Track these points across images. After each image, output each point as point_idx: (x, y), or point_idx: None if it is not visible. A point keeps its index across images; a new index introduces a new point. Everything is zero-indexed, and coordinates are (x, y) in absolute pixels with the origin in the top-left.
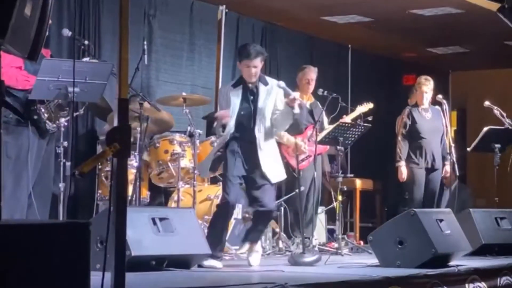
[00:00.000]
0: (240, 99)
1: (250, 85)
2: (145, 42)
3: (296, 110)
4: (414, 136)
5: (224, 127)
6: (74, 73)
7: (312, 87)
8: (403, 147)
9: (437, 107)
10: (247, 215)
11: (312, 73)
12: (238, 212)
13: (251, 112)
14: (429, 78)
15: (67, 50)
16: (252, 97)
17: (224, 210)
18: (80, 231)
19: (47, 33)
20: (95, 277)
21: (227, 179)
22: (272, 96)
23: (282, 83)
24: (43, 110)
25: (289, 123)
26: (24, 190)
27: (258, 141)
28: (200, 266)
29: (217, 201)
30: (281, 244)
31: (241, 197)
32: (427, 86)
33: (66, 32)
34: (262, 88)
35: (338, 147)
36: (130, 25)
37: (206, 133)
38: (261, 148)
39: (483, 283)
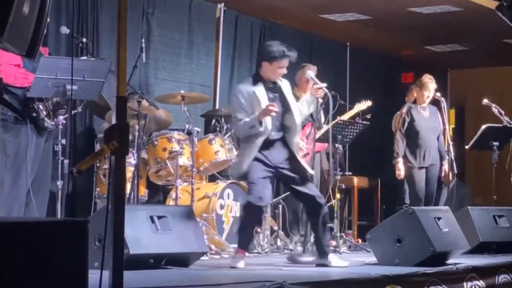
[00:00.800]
0: (267, 97)
1: (270, 84)
2: (143, 40)
3: (320, 100)
4: (412, 135)
5: (260, 123)
6: (73, 71)
7: (311, 85)
8: (400, 144)
9: (434, 106)
10: None
11: (311, 71)
12: (236, 211)
13: (280, 109)
14: (431, 77)
15: (65, 48)
16: (273, 95)
17: (247, 210)
18: (78, 229)
19: (45, 31)
20: (93, 275)
21: (251, 181)
22: (290, 91)
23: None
24: (41, 107)
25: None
26: (22, 188)
27: (289, 137)
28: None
29: (215, 199)
30: (279, 242)
31: (269, 197)
32: (432, 84)
33: (64, 30)
34: (282, 84)
35: (337, 145)
36: (128, 23)
37: (205, 131)
38: (292, 144)
39: (481, 281)
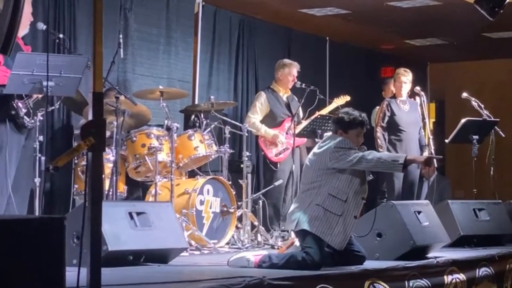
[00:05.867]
0: None
1: None
2: (121, 36)
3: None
4: (393, 129)
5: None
6: (48, 67)
7: (293, 82)
8: (382, 139)
9: (414, 100)
10: (225, 209)
11: (296, 69)
12: (216, 206)
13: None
14: (408, 70)
15: (42, 44)
16: None
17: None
18: (55, 226)
19: (27, 30)
20: (71, 272)
21: None
22: None
23: None
24: (20, 105)
25: None
26: (2, 186)
27: None
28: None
29: (195, 194)
30: (259, 238)
31: None
32: (406, 77)
33: (41, 26)
34: None
35: (317, 140)
36: (106, 19)
37: (184, 126)
38: None
39: (461, 274)
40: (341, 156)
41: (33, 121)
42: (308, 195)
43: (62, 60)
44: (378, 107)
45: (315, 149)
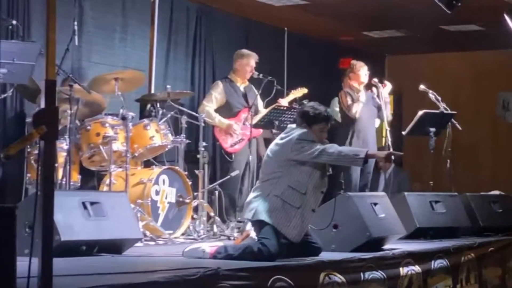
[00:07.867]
0: None
1: None
2: (76, 23)
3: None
4: (349, 120)
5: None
6: (1, 54)
7: (251, 73)
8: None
9: (371, 91)
10: (181, 199)
11: (254, 60)
12: (172, 196)
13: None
14: (362, 62)
15: None
16: None
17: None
18: (6, 215)
19: None
20: (23, 262)
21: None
22: None
23: None
24: None
25: None
26: None
27: None
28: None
29: (150, 184)
30: (215, 229)
31: None
32: (364, 68)
33: None
34: None
35: (274, 131)
36: (60, 5)
37: (140, 116)
38: None
39: (417, 266)
40: (302, 148)
41: None
42: (267, 185)
43: (15, 47)
44: (336, 98)
45: (278, 140)
